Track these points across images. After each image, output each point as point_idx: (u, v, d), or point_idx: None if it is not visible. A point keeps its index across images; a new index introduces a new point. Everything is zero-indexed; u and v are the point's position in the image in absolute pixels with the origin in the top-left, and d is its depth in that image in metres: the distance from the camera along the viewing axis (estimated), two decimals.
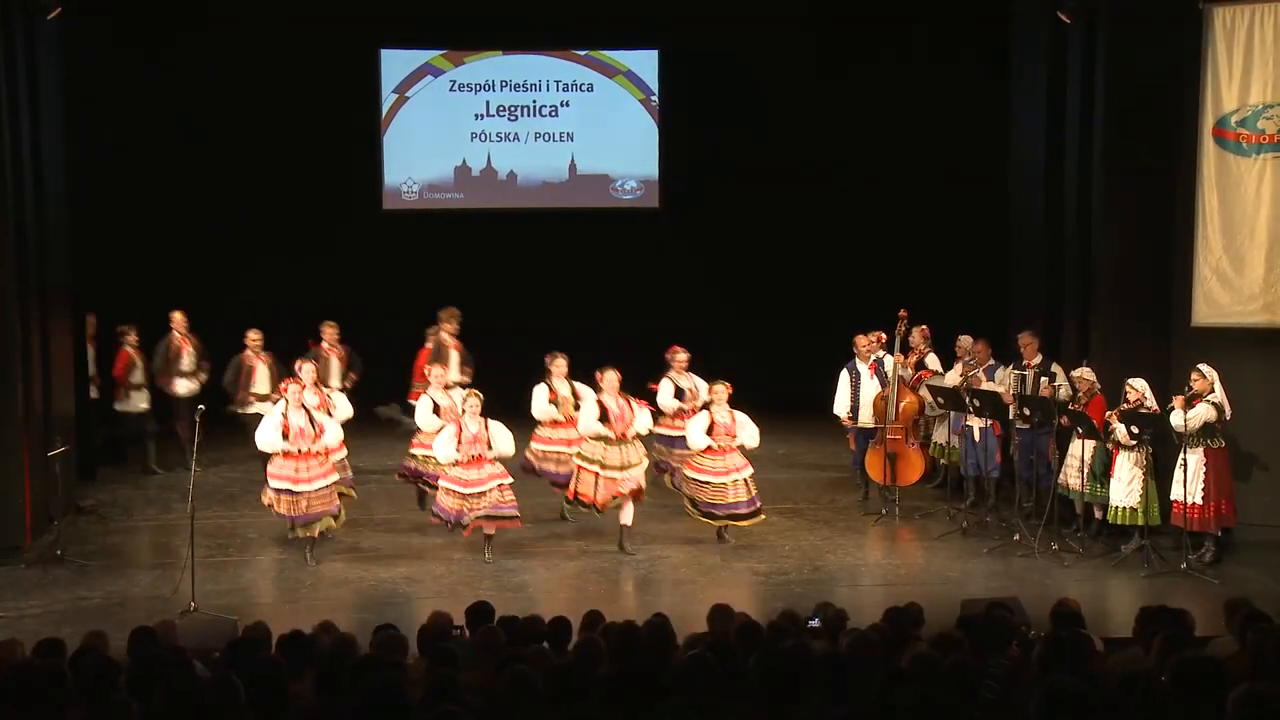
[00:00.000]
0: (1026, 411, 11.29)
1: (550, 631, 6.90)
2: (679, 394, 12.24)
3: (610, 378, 11.20)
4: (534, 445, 12.09)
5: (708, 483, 11.20)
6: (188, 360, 13.98)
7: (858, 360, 12.62)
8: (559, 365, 11.97)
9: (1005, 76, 14.35)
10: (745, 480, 11.25)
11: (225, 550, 11.27)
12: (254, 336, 13.63)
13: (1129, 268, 11.83)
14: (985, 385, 11.94)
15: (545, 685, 5.25)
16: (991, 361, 12.30)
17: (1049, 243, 13.14)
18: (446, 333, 13.71)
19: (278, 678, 5.40)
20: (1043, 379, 11.52)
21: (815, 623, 7.20)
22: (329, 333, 13.60)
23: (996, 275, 14.44)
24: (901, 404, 12.28)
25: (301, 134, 15.86)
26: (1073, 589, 9.48)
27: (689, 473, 11.36)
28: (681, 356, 12.31)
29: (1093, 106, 12.06)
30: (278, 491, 10.72)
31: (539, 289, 16.37)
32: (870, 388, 12.51)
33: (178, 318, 14.01)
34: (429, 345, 13.76)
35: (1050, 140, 13.04)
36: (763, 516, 11.39)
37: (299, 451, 10.69)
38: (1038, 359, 11.91)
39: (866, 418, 12.50)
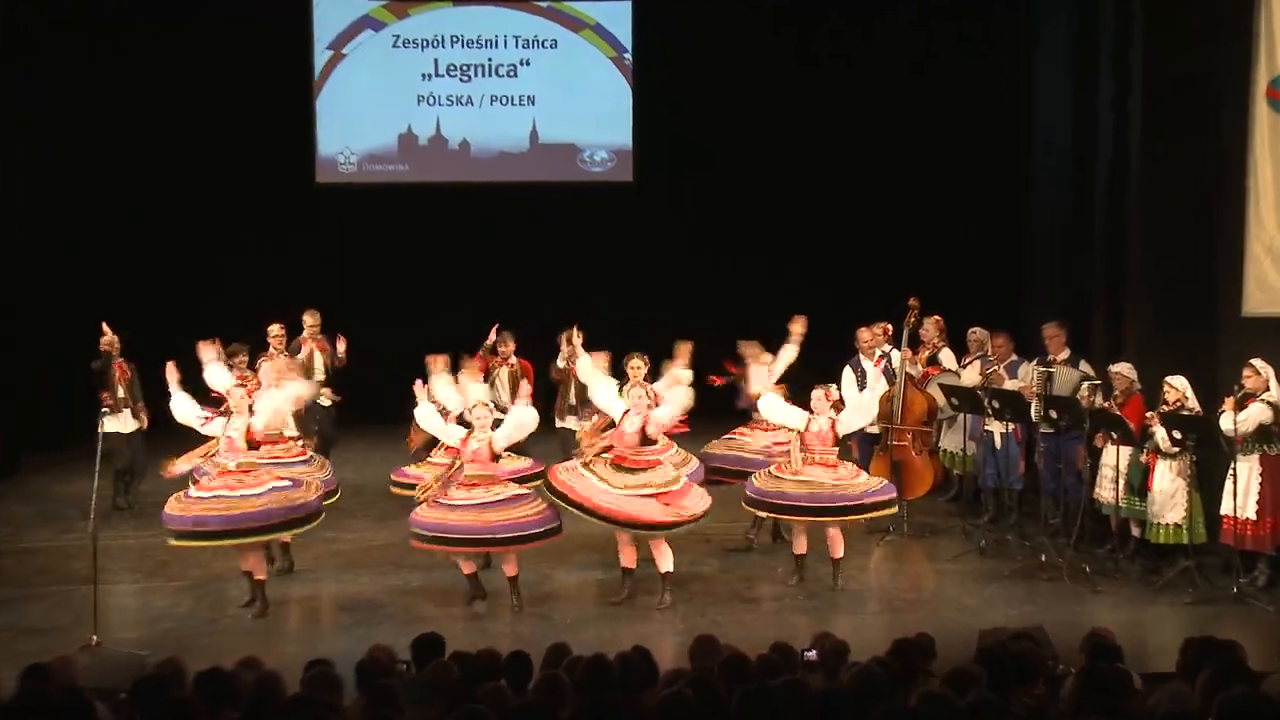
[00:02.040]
0: (1052, 413, 11.22)
1: (508, 667, 6.85)
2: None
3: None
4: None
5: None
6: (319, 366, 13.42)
7: (861, 356, 12.56)
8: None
9: (1028, 42, 14.39)
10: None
11: (134, 575, 11.18)
12: (276, 331, 13.07)
13: (1168, 250, 11.87)
14: (1008, 384, 11.92)
15: None
16: (1014, 357, 12.28)
17: (1076, 223, 13.15)
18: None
19: None
20: (1084, 383, 11.41)
21: (812, 655, 7.19)
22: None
23: (1010, 260, 14.44)
24: (908, 405, 12.22)
25: (222, 97, 15.76)
26: (1107, 617, 9.50)
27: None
28: (765, 358, 11.58)
29: (1129, 70, 12.07)
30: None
31: (495, 272, 16.30)
32: (879, 388, 12.41)
33: (309, 319, 13.44)
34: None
35: (1080, 111, 13.06)
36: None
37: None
38: (1065, 353, 11.90)
39: None
